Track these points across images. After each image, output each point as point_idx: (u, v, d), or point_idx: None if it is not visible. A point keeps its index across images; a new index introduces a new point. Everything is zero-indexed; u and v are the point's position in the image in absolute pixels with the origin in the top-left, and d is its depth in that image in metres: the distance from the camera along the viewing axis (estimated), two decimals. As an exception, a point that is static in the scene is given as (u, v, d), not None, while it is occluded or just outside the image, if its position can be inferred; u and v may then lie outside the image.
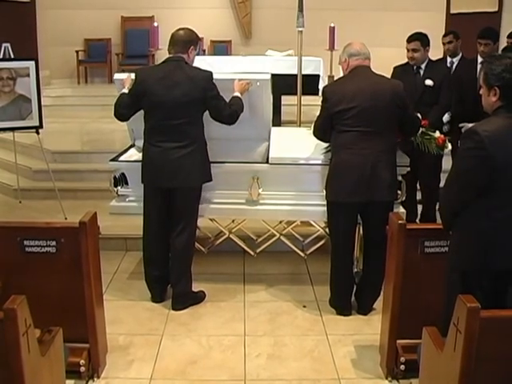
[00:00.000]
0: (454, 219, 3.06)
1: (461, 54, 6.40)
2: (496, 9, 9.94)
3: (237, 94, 4.56)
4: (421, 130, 4.63)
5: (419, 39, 5.37)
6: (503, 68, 2.91)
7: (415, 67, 5.43)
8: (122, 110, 4.53)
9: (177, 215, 4.53)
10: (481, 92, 3.05)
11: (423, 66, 5.42)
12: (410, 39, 5.40)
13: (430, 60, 5.53)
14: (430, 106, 5.31)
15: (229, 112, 4.44)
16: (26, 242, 3.54)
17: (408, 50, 5.40)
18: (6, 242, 3.53)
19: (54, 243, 3.54)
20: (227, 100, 4.47)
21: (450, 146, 4.76)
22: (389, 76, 4.46)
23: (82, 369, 3.61)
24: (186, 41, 4.44)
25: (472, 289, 2.85)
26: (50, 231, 3.59)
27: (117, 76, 4.90)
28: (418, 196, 5.78)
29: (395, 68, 5.66)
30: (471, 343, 2.59)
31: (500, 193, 2.89)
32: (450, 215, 3.08)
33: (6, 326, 2.58)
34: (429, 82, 5.34)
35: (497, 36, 6.10)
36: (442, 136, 4.70)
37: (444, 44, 6.40)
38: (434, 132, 4.72)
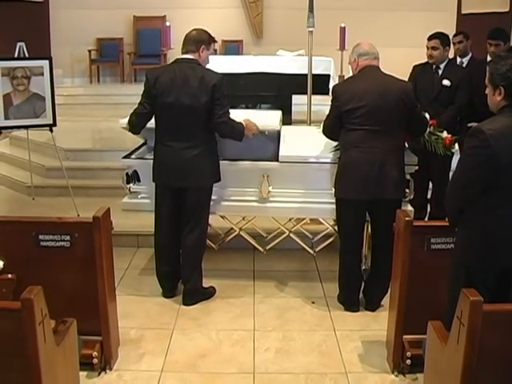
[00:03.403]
0: (459, 216, 3.11)
1: (470, 54, 6.45)
2: (507, 9, 9.94)
3: (242, 122, 4.58)
4: (428, 129, 4.68)
5: (439, 38, 5.42)
6: (508, 68, 2.95)
7: (434, 66, 5.48)
8: (142, 110, 4.49)
9: (188, 213, 4.59)
10: (486, 91, 3.11)
11: (442, 66, 5.47)
12: (431, 37, 5.46)
13: (449, 60, 5.58)
14: (445, 106, 5.36)
15: (225, 121, 4.42)
16: (40, 237, 3.61)
17: (427, 48, 5.46)
18: (21, 236, 3.61)
19: (68, 238, 3.61)
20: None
21: (457, 147, 4.79)
22: (400, 75, 4.49)
23: (95, 361, 3.69)
24: (197, 40, 4.47)
25: (476, 284, 2.89)
26: (65, 226, 3.67)
27: (122, 124, 4.85)
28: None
29: (415, 66, 5.74)
30: (474, 336, 2.64)
31: (504, 191, 2.94)
32: (455, 212, 3.13)
33: (23, 316, 2.65)
34: (446, 82, 5.38)
35: (507, 36, 6.13)
36: (450, 136, 4.73)
37: (454, 44, 6.44)
38: (442, 132, 4.76)
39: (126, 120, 4.68)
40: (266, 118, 4.97)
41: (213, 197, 4.70)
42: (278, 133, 4.95)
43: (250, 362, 3.92)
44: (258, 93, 8.24)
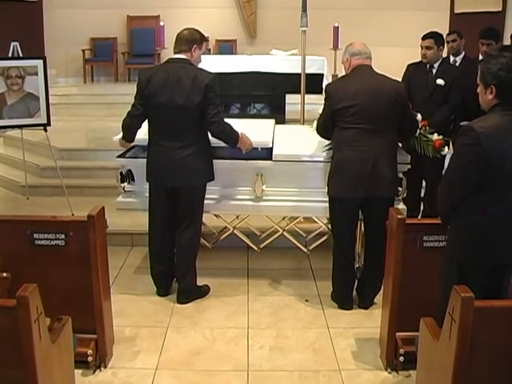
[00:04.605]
0: (450, 213, 3.14)
1: (463, 54, 6.47)
2: (500, 8, 10.00)
3: (238, 132, 4.57)
4: (419, 131, 4.69)
5: (433, 37, 5.45)
6: (499, 67, 2.98)
7: (428, 66, 5.51)
8: (135, 112, 4.49)
9: (182, 213, 4.60)
10: (478, 90, 3.14)
11: (436, 65, 5.50)
12: (425, 37, 5.50)
13: (443, 60, 5.61)
14: (440, 105, 5.39)
15: (218, 121, 4.42)
16: (35, 235, 3.63)
17: (421, 48, 5.49)
18: (15, 235, 3.62)
19: (62, 236, 3.62)
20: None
21: (446, 150, 4.79)
22: (393, 75, 4.52)
23: (90, 358, 3.70)
24: (190, 40, 4.47)
25: (468, 281, 2.91)
26: (59, 225, 3.67)
27: (115, 140, 4.85)
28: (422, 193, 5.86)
29: (409, 66, 5.77)
30: (465, 332, 2.67)
31: (495, 188, 2.97)
32: (447, 209, 3.16)
33: (18, 313, 2.66)
34: (440, 82, 5.41)
35: (499, 36, 6.16)
36: (440, 139, 4.72)
37: (448, 42, 6.46)
38: (432, 134, 4.77)
39: (120, 136, 4.70)
40: (258, 133, 4.95)
41: (206, 195, 4.71)
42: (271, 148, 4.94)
43: (244, 360, 3.95)
44: (251, 92, 8.27)
